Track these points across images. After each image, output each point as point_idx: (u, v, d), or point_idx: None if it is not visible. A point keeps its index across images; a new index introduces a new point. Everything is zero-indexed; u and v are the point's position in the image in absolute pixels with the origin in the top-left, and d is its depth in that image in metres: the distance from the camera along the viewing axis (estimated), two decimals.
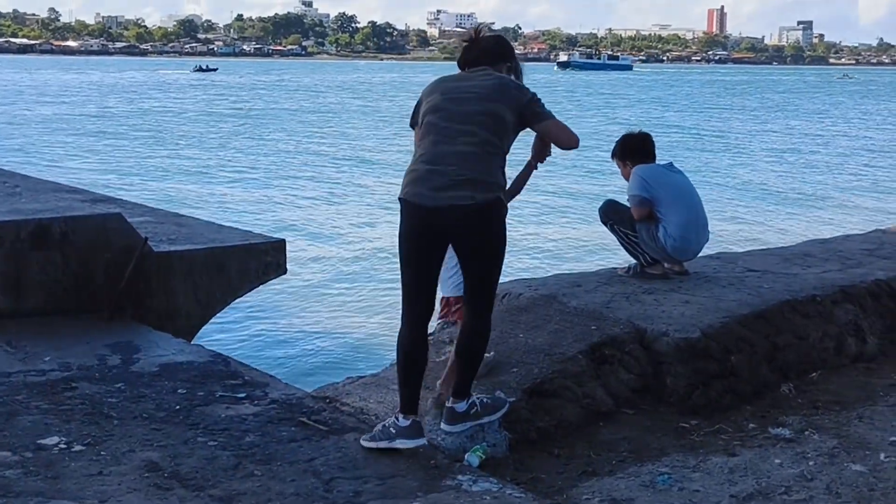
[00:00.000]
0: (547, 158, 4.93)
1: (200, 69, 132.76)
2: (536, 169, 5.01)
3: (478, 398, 4.63)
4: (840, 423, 5.05)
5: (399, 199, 4.41)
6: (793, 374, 5.68)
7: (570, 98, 75.70)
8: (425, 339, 4.59)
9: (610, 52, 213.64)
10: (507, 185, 4.54)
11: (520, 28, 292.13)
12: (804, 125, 53.79)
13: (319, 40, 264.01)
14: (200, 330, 6.74)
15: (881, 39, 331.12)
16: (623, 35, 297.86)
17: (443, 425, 4.59)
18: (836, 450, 4.56)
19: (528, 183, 5.10)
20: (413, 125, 4.64)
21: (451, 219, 4.31)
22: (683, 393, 5.27)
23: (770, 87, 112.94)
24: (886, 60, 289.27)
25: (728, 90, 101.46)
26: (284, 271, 7.13)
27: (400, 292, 4.47)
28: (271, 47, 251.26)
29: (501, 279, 4.72)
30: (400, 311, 4.51)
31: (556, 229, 18.88)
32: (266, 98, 74.31)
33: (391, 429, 4.23)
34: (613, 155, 6.66)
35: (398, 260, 4.49)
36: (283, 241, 7.18)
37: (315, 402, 4.79)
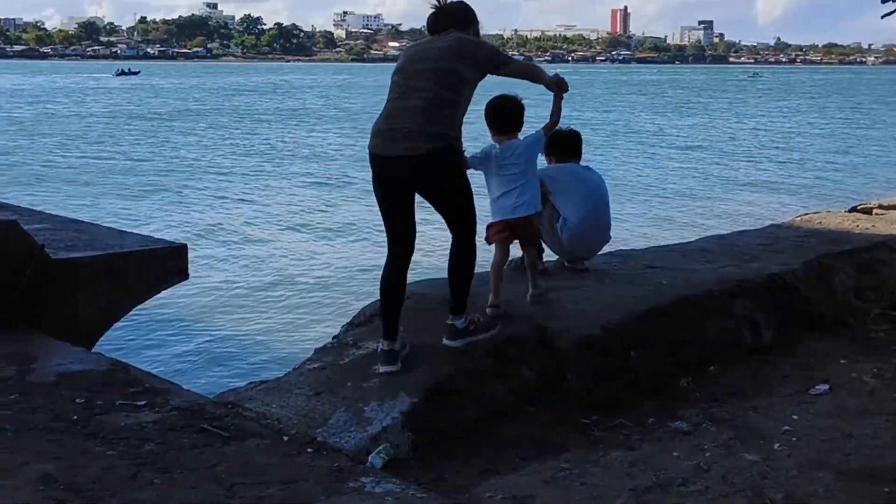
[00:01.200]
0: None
1: (123, 73, 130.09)
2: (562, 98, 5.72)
3: (476, 316, 5.30)
4: (736, 414, 5.17)
5: (371, 151, 5.05)
6: (691, 367, 5.80)
7: (475, 99, 75.87)
8: (403, 275, 5.26)
9: (514, 53, 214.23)
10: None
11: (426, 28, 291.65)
12: (714, 122, 54.90)
13: (225, 42, 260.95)
14: (101, 338, 6.62)
15: (778, 39, 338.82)
16: (529, 36, 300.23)
17: (445, 341, 5.24)
18: (731, 441, 4.67)
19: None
20: None
21: (405, 168, 4.96)
22: (585, 389, 5.34)
23: (681, 86, 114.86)
24: (784, 59, 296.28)
25: (638, 89, 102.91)
26: (187, 277, 7.02)
27: None
28: (176, 50, 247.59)
29: (408, 279, 5.37)
30: None
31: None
32: (202, 99, 73.26)
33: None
34: None
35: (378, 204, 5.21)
36: (185, 246, 7.08)
37: (217, 408, 4.73)
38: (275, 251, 17.40)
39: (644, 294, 6.11)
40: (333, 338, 6.23)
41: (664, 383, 5.61)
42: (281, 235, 19.19)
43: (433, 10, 5.36)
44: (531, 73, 5.63)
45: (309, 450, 4.08)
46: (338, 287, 14.00)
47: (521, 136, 5.79)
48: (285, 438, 4.21)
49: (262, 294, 14.14)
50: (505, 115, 5.76)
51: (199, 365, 10.70)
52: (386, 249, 5.34)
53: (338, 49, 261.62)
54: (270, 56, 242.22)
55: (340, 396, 4.88)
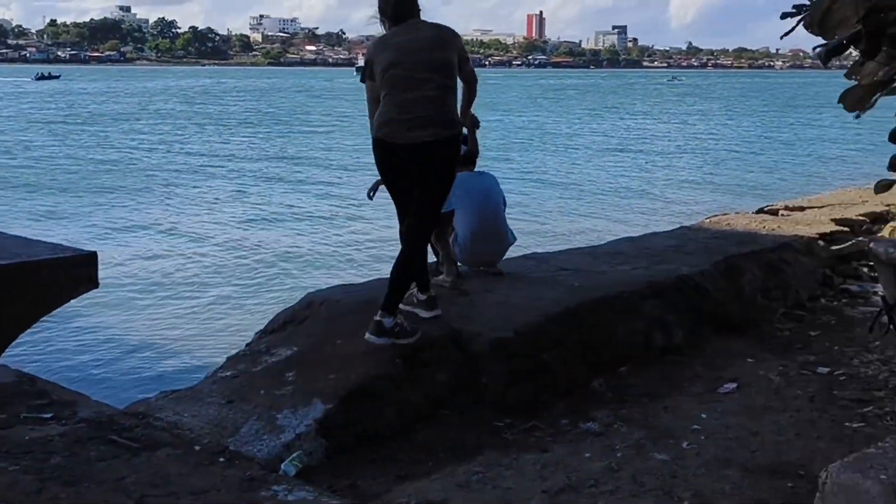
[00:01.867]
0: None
1: (43, 76, 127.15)
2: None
3: (404, 321, 5.40)
4: (647, 414, 5.25)
5: (376, 139, 5.43)
6: (604, 368, 5.86)
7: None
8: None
9: None
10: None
11: (344, 33, 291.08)
12: (631, 124, 55.58)
13: (138, 46, 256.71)
14: (7, 349, 6.45)
15: (690, 43, 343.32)
16: None
17: (368, 335, 5.31)
18: (642, 441, 4.75)
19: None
20: (365, 80, 5.57)
21: (421, 153, 5.34)
22: (499, 392, 5.37)
23: (599, 90, 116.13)
24: (696, 63, 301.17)
25: (556, 93, 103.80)
26: (96, 285, 6.82)
27: None
28: (88, 53, 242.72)
29: (319, 287, 5.16)
30: None
31: (376, 232, 18.86)
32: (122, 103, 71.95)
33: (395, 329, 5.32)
34: None
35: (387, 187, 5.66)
36: (95, 253, 6.88)
37: (127, 418, 4.65)
38: (187, 258, 17.15)
39: (557, 296, 6.16)
40: (246, 345, 6.18)
41: (577, 385, 5.66)
42: (193, 242, 18.90)
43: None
44: (472, 87, 5.77)
45: (221, 459, 4.03)
46: (250, 294, 13.85)
47: None
48: (197, 448, 4.15)
49: (174, 302, 13.92)
50: None
51: (109, 375, 10.47)
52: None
53: (254, 53, 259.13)
54: (185, 60, 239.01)
55: (253, 404, 4.84)
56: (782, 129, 54.68)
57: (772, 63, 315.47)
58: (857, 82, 4.90)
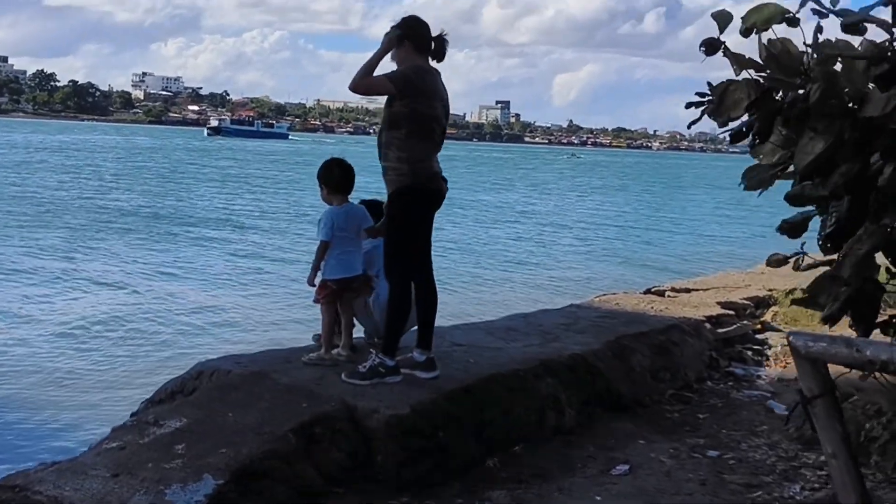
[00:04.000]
0: None
1: None
2: None
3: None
4: (542, 495, 5.23)
5: (420, 187, 5.81)
6: (498, 447, 5.82)
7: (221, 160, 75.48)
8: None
9: (316, 123, 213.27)
10: None
11: (228, 94, 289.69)
12: (523, 199, 56.09)
13: (15, 97, 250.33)
14: None
15: (571, 121, 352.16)
16: (331, 106, 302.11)
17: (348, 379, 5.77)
18: None
19: None
20: (396, 91, 5.70)
21: (440, 203, 6.00)
22: (394, 470, 5.27)
23: (491, 162, 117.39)
24: (576, 141, 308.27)
25: (448, 164, 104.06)
26: None
27: None
28: None
29: (209, 356, 5.15)
30: None
31: (267, 300, 18.55)
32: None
33: (380, 368, 5.79)
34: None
35: (401, 237, 5.88)
36: None
37: (3, 491, 4.43)
38: (66, 320, 16.51)
39: (452, 373, 6.12)
40: (132, 415, 5.96)
41: (472, 464, 5.60)
42: (73, 302, 18.20)
43: (445, 38, 5.92)
44: None
45: None
46: (136, 359, 13.34)
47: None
48: None
49: (53, 367, 13.31)
50: (352, 177, 6.34)
51: None
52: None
53: (135, 110, 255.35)
54: (64, 114, 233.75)
55: (140, 478, 4.63)
56: (673, 206, 56.04)
57: (649, 143, 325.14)
58: (758, 161, 5.02)
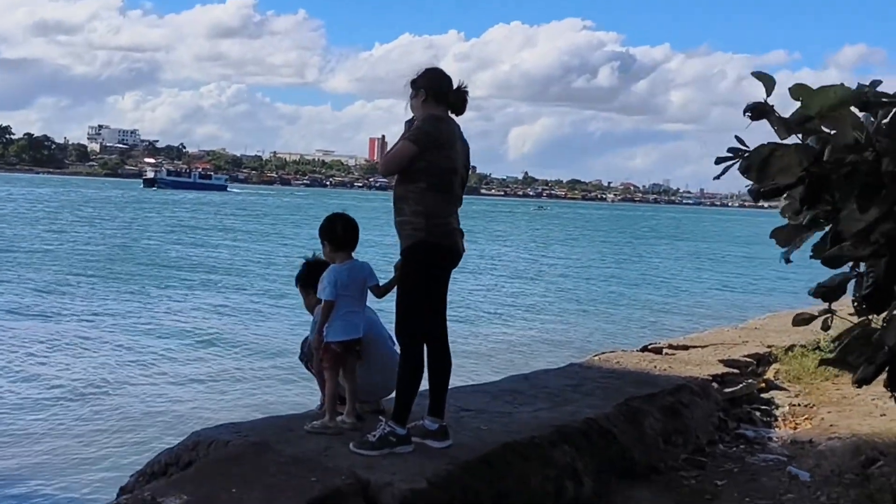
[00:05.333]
0: None
1: None
2: None
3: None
4: None
5: (435, 244, 5.49)
6: None
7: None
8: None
9: (273, 175, 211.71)
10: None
11: (184, 147, 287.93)
12: (503, 251, 55.88)
13: None
14: None
15: (526, 173, 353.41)
16: (288, 158, 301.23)
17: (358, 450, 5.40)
18: None
19: None
20: (419, 150, 5.40)
21: (457, 261, 5.69)
22: None
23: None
24: (531, 193, 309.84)
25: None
26: None
27: None
28: None
29: (204, 426, 5.54)
30: None
31: (254, 363, 17.89)
32: None
33: (390, 437, 5.43)
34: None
35: (415, 297, 5.53)
36: None
37: None
38: (23, 384, 15.65)
39: (466, 441, 5.73)
40: (121, 489, 5.53)
41: None
42: (34, 363, 17.38)
43: (465, 90, 5.64)
44: None
45: None
46: (120, 431, 12.58)
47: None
48: None
49: (27, 430, 12.49)
50: (356, 232, 5.96)
51: None
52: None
53: (91, 163, 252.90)
54: (19, 167, 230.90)
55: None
56: (644, 258, 56.14)
57: (604, 195, 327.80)
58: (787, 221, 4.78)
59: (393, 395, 5.84)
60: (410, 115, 5.63)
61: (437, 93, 5.58)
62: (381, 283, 5.87)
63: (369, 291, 5.91)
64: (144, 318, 22.61)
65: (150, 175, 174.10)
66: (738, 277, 43.81)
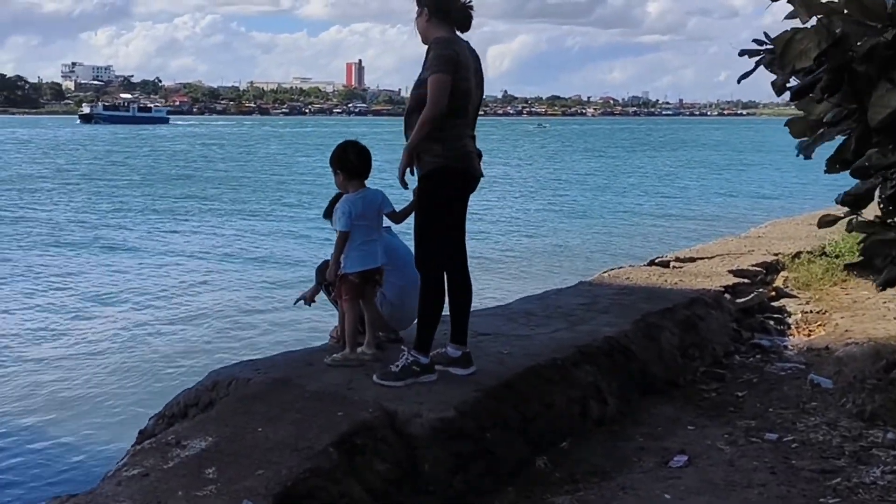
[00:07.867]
0: None
1: None
2: None
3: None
4: (606, 497, 4.79)
5: (452, 168, 5.32)
6: (545, 445, 5.37)
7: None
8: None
9: (251, 105, 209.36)
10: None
11: (160, 81, 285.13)
12: (498, 169, 55.67)
13: None
14: None
15: (505, 91, 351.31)
16: (265, 88, 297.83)
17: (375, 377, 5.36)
18: None
19: None
20: (452, 77, 5.17)
21: (475, 185, 5.55)
22: (443, 479, 4.80)
23: None
24: (511, 111, 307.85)
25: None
26: None
27: None
28: None
29: (221, 365, 5.39)
30: None
31: (267, 302, 17.76)
32: None
33: (413, 366, 5.35)
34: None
35: (433, 223, 5.39)
36: None
37: None
38: (48, 332, 15.36)
39: (488, 367, 5.64)
40: (140, 432, 5.43)
41: (522, 465, 5.15)
42: (53, 314, 17.06)
43: (470, 5, 5.44)
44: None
45: None
46: (138, 374, 12.40)
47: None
48: None
49: (44, 379, 12.28)
50: (369, 160, 5.80)
51: None
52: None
53: (66, 101, 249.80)
54: None
55: None
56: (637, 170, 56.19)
57: (584, 111, 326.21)
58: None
59: (414, 324, 5.75)
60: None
61: (440, 10, 5.37)
62: (397, 210, 5.72)
63: (386, 218, 5.77)
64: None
65: (86, 111, 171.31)
66: (734, 183, 44.10)
